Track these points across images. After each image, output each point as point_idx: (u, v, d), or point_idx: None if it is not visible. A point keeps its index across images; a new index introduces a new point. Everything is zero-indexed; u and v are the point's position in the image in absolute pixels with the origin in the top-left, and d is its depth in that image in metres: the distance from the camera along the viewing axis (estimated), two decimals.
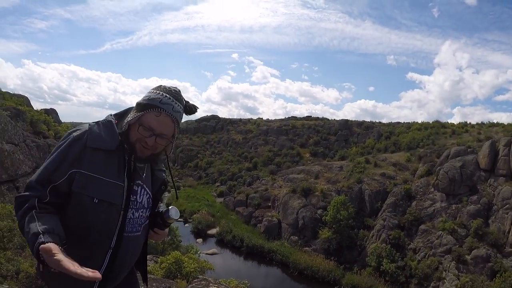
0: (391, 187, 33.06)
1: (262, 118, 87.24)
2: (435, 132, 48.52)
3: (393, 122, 71.89)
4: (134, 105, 1.99)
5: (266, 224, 33.95)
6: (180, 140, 74.17)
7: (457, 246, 24.49)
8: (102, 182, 1.78)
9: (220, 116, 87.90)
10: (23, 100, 26.39)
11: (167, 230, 2.19)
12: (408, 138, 49.07)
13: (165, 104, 1.86)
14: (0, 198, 8.13)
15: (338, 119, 75.98)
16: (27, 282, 4.88)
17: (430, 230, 26.91)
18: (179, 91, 1.99)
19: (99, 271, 1.67)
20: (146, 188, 2.05)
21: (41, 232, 1.53)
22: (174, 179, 2.31)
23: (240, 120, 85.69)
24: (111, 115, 2.02)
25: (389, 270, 24.59)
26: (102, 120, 1.95)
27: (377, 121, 73.56)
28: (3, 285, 5.00)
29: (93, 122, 1.92)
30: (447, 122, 56.02)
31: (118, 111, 2.11)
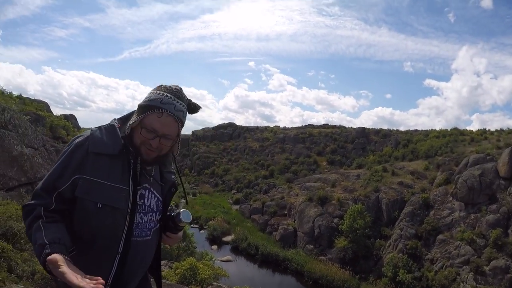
0: (408, 196, 32.64)
1: (279, 126, 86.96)
2: (453, 139, 47.56)
3: (410, 129, 70.79)
4: None
5: (282, 232, 33.92)
6: (197, 147, 74.78)
7: (476, 256, 24.01)
8: (105, 187, 1.76)
9: (237, 124, 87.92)
10: (43, 106, 27.05)
11: (180, 234, 2.14)
12: (426, 146, 48.31)
13: (166, 104, 1.82)
14: (19, 200, 8.41)
15: (355, 127, 75.30)
16: (42, 283, 5.07)
17: (448, 240, 26.46)
18: (181, 89, 1.94)
19: (108, 277, 1.78)
20: (155, 191, 2.01)
21: (47, 242, 1.56)
22: (183, 181, 2.33)
23: (257, 128, 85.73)
24: (115, 119, 2.01)
25: (406, 281, 24.25)
26: (105, 125, 1.94)
27: (395, 128, 72.50)
28: (18, 285, 5.19)
29: (95, 127, 1.92)
30: (466, 129, 54.84)
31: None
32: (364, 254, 28.80)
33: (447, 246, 25.99)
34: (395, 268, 25.21)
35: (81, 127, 35.16)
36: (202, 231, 36.89)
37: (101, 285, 1.45)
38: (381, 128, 70.02)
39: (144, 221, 1.94)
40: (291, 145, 68.27)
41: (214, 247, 32.43)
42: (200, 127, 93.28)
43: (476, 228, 26.46)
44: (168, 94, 1.85)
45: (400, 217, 30.57)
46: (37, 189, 1.80)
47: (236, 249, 32.17)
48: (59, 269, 1.43)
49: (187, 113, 1.97)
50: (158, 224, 2.06)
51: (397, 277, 24.67)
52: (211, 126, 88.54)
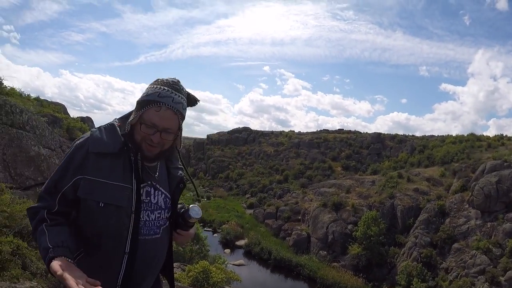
0: (424, 203, 32.29)
1: (293, 131, 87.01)
2: (470, 145, 46.82)
3: (426, 135, 70.18)
4: None
5: (295, 238, 33.89)
6: (212, 151, 75.18)
7: (491, 266, 23.59)
8: (107, 186, 1.75)
9: (252, 128, 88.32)
10: (60, 108, 27.63)
11: (192, 231, 2.07)
12: (442, 152, 47.66)
13: (164, 97, 1.77)
14: (35, 199, 8.71)
15: (370, 132, 74.96)
16: (55, 281, 5.25)
17: (464, 249, 26.07)
18: (178, 81, 1.89)
19: (117, 278, 1.77)
20: (161, 188, 1.97)
21: (50, 246, 1.57)
22: (192, 178, 2.26)
23: (272, 132, 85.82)
24: (115, 119, 1.98)
25: None
26: (105, 125, 1.92)
27: (410, 134, 72.05)
28: (32, 282, 5.35)
29: (95, 128, 1.90)
30: (483, 135, 53.78)
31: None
32: (378, 262, 28.59)
33: (462, 255, 25.61)
34: (409, 276, 24.93)
35: None
36: (215, 235, 37.10)
37: (97, 283, 1.46)
38: (397, 134, 69.69)
39: (152, 219, 1.90)
40: (306, 150, 68.18)
41: (227, 250, 32.61)
42: (215, 131, 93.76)
43: (493, 237, 26.03)
44: (165, 87, 1.81)
45: (415, 224, 30.27)
46: (41, 191, 1.82)
47: (249, 254, 32.26)
48: (58, 273, 1.44)
49: (187, 105, 1.93)
50: (168, 222, 2.01)
51: (411, 286, 24.39)
52: (226, 130, 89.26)
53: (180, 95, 1.84)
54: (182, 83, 1.90)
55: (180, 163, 2.16)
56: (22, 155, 10.86)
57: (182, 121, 1.87)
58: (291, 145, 71.85)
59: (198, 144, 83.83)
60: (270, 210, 41.28)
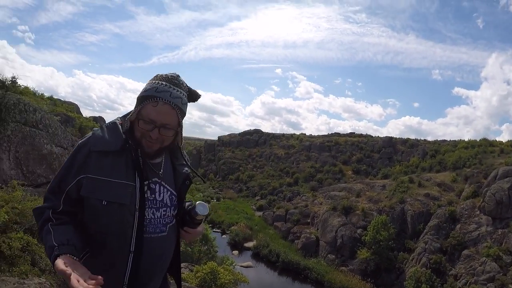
0: (435, 209, 32.03)
1: (305, 134, 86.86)
2: (482, 150, 46.27)
3: (438, 140, 69.46)
4: None
5: (304, 241, 33.88)
6: (223, 153, 75.47)
7: (501, 274, 23.30)
8: (109, 184, 1.73)
9: (263, 131, 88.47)
10: (73, 107, 28.11)
11: (200, 228, 2.03)
12: (454, 157, 47.16)
13: (161, 92, 1.74)
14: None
15: (382, 136, 74.37)
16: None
17: (474, 256, 25.81)
18: (178, 76, 1.86)
19: (123, 277, 1.75)
20: (167, 185, 1.93)
21: (55, 245, 1.57)
22: (199, 175, 2.23)
23: (283, 135, 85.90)
24: (118, 117, 1.97)
25: None
26: (107, 123, 1.91)
27: (422, 138, 71.22)
28: (41, 278, 5.49)
29: (97, 127, 1.89)
30: (495, 140, 53.12)
31: None
32: (387, 267, 28.45)
33: (472, 262, 25.35)
34: (418, 282, 24.72)
35: None
36: (224, 236, 37.28)
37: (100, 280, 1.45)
38: (408, 138, 69.14)
39: (157, 216, 1.87)
40: (317, 153, 68.03)
41: (235, 252, 32.72)
42: (226, 133, 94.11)
43: (503, 244, 25.71)
44: (163, 82, 1.77)
45: (425, 230, 30.04)
46: (46, 192, 1.82)
47: (257, 256, 32.35)
48: (61, 270, 1.44)
49: (188, 101, 1.89)
50: (174, 220, 1.97)
51: None
52: (237, 132, 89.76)
53: (179, 89, 1.80)
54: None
55: (185, 159, 2.10)
56: (34, 153, 11.12)
57: (182, 117, 1.83)
58: (302, 148, 71.81)
59: (209, 145, 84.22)
60: (280, 213, 41.35)
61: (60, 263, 1.47)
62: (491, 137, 63.75)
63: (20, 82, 19.77)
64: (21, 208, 6.85)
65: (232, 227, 37.86)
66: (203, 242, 21.13)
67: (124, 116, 1.92)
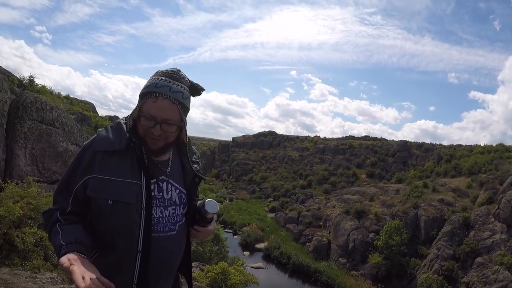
0: (449, 215, 31.61)
1: (319, 136, 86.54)
2: (498, 156, 45.27)
3: (454, 144, 68.28)
4: None
5: (316, 244, 33.86)
6: (237, 154, 75.77)
7: None
8: (114, 183, 1.71)
9: (277, 132, 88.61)
10: (89, 106, 28.59)
11: (211, 227, 1.98)
12: (469, 162, 46.34)
13: (161, 87, 1.72)
14: None
15: (396, 139, 73.89)
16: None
17: (487, 264, 25.44)
18: (178, 70, 1.83)
19: (132, 277, 1.73)
20: (175, 183, 1.91)
21: (63, 243, 1.56)
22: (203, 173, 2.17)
23: (297, 137, 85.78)
24: (123, 117, 1.96)
25: None
26: (112, 123, 1.91)
27: (438, 143, 70.19)
28: (53, 273, 5.69)
29: (102, 128, 1.88)
30: None
31: None
32: (398, 272, 28.24)
33: (485, 270, 25.00)
34: None
35: None
36: (235, 237, 37.54)
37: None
38: (424, 142, 68.14)
39: (166, 215, 1.84)
40: (331, 156, 67.78)
41: (246, 253, 32.90)
42: (241, 134, 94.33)
43: None
44: (163, 77, 1.75)
45: (438, 236, 29.69)
46: (53, 194, 1.83)
47: (268, 257, 32.49)
48: (65, 266, 1.43)
49: (191, 95, 1.87)
50: (184, 218, 1.94)
51: None
52: (252, 134, 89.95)
53: (179, 84, 1.78)
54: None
55: (195, 156, 2.08)
56: (50, 150, 11.45)
57: (185, 112, 1.81)
58: (316, 151, 71.63)
59: (223, 146, 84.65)
60: (292, 215, 41.38)
61: (64, 260, 1.46)
62: (507, 142, 62.36)
63: (38, 81, 20.32)
64: (35, 204, 7.07)
65: (244, 228, 38.08)
66: (215, 242, 21.32)
67: (128, 116, 1.92)
